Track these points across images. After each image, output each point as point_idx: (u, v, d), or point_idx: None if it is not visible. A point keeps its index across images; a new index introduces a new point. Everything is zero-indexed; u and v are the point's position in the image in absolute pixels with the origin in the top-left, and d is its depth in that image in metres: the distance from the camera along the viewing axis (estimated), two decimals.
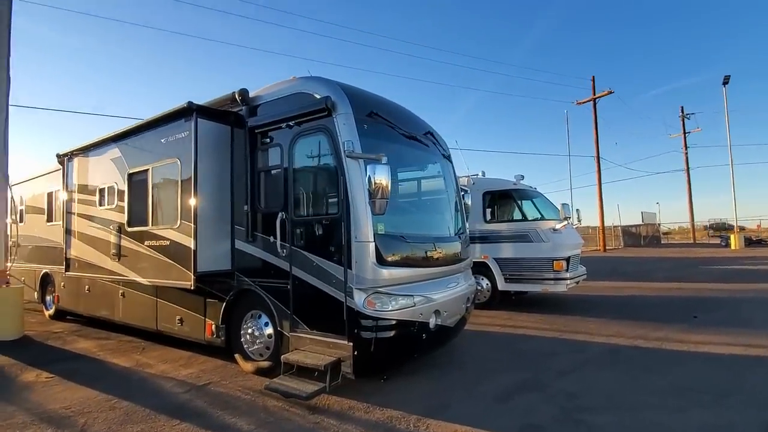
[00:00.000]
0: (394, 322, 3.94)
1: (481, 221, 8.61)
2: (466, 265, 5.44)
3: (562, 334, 6.43)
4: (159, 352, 6.00)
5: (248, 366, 4.88)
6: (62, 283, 8.10)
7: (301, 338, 4.31)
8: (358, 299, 3.89)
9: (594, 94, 26.28)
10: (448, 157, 5.72)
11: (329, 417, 3.69)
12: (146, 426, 3.63)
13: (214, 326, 5.16)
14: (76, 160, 6.87)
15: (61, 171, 7.17)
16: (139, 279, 5.57)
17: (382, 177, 3.62)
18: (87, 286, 7.29)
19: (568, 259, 8.03)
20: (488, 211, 8.70)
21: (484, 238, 8.54)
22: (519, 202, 8.49)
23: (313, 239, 4.27)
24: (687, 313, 7.62)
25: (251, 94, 4.93)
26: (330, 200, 4.20)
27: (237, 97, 4.80)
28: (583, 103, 26.88)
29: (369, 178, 3.61)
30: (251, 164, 4.82)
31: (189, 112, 4.69)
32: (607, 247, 27.76)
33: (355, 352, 3.85)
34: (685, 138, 35.39)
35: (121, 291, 6.52)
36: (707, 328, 6.49)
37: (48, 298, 9.07)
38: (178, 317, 5.71)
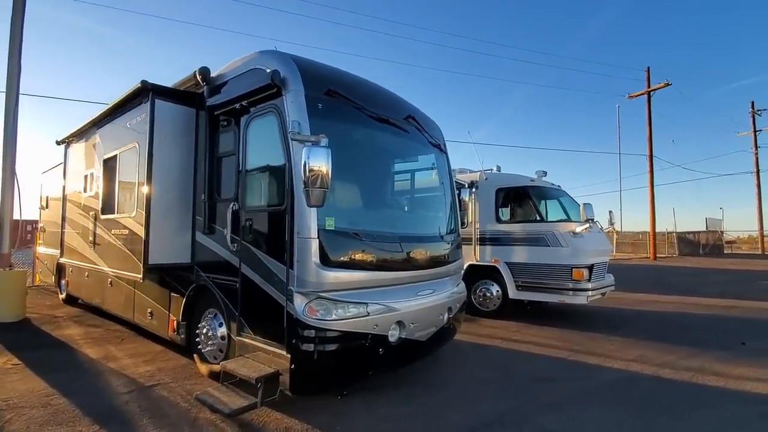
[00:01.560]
0: (338, 334, 3.37)
1: (493, 221, 7.77)
2: (451, 269, 4.75)
3: (573, 354, 5.53)
4: (135, 344, 5.82)
5: (203, 368, 4.51)
6: (70, 269, 8.25)
7: (245, 344, 3.85)
8: (298, 305, 3.35)
9: (648, 87, 23.92)
10: (438, 146, 5.03)
11: None
12: (65, 429, 3.33)
13: (175, 323, 4.85)
14: (71, 146, 6.87)
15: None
16: (105, 268, 5.38)
17: (319, 162, 3.05)
18: (86, 273, 7.32)
19: (590, 267, 7.02)
20: (501, 210, 7.84)
21: (496, 240, 7.71)
22: (536, 200, 7.55)
23: (260, 233, 3.79)
24: (735, 338, 6.39)
25: (215, 73, 4.52)
26: (278, 190, 3.69)
27: (198, 76, 4.40)
28: (636, 96, 24.55)
29: (304, 164, 3.05)
30: (210, 149, 4.42)
31: (145, 92, 4.37)
32: (658, 255, 25.31)
33: (293, 366, 3.32)
34: (755, 136, 31.60)
35: (109, 280, 6.43)
36: (756, 359, 5.33)
37: (62, 282, 9.37)
38: (149, 310, 5.48)
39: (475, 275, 7.94)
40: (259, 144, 3.91)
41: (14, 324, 6.93)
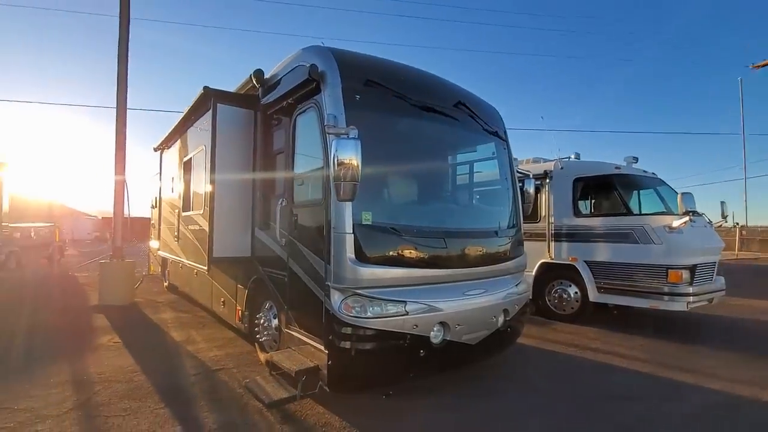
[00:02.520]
0: (375, 332, 3.26)
1: (570, 215, 6.99)
2: (509, 267, 4.34)
3: (662, 370, 4.72)
4: (213, 330, 6.37)
5: (262, 357, 4.74)
6: (167, 261, 9.36)
7: (292, 336, 3.94)
8: (335, 301, 3.31)
9: None
10: (495, 133, 4.62)
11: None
12: (136, 405, 3.72)
13: (240, 312, 5.19)
14: (164, 152, 7.75)
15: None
16: (185, 260, 5.93)
17: (348, 155, 2.95)
18: (177, 265, 8.23)
19: (692, 268, 5.95)
20: (580, 202, 7.02)
21: (573, 236, 6.93)
22: (622, 191, 6.60)
23: (304, 228, 3.83)
24: None
25: (268, 74, 4.68)
26: (318, 185, 3.68)
27: (253, 78, 4.61)
28: (763, 66, 20.38)
29: (333, 157, 2.97)
30: (264, 148, 4.61)
31: (207, 98, 4.69)
32: None
33: (329, 362, 3.30)
34: None
35: (195, 271, 7.14)
36: None
37: (166, 272, 10.70)
38: (222, 299, 5.95)
39: (550, 275, 7.24)
40: (304, 140, 3.95)
41: (124, 307, 8.05)
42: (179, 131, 6.43)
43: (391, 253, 3.41)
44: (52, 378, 4.33)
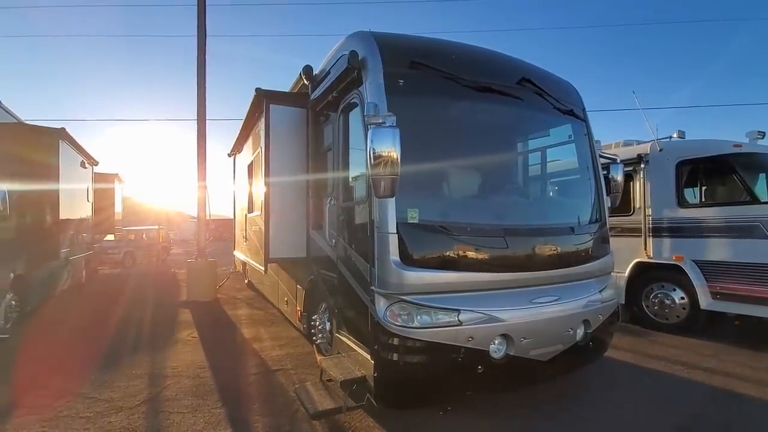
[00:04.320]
0: (424, 344, 2.89)
1: (673, 205, 5.85)
2: (590, 269, 3.66)
3: None
4: (280, 328, 6.50)
5: (319, 359, 4.65)
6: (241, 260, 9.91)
7: (342, 342, 3.74)
8: (380, 308, 3.02)
9: None
10: (570, 113, 3.93)
11: None
12: (197, 402, 3.82)
13: (299, 312, 5.17)
14: (236, 157, 8.15)
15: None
16: (250, 260, 6.11)
17: (385, 146, 2.62)
18: (248, 264, 8.63)
19: None
20: (686, 189, 5.84)
21: (678, 230, 5.80)
22: (744, 174, 5.32)
23: (350, 228, 3.60)
24: None
25: (317, 69, 4.54)
26: (363, 183, 3.41)
27: (302, 75, 4.50)
28: None
29: (369, 149, 2.67)
30: (314, 146, 4.49)
31: (260, 99, 4.69)
32: None
33: (376, 374, 3.02)
34: None
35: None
36: None
37: (246, 270, 11.40)
38: (285, 299, 6.03)
39: (647, 276, 6.17)
40: (350, 135, 3.71)
41: (207, 303, 8.66)
42: (244, 135, 6.67)
43: (441, 254, 3.02)
44: (135, 369, 4.68)
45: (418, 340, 2.89)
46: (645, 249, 6.11)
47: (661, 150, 6.06)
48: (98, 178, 11.94)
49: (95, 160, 11.18)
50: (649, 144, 6.24)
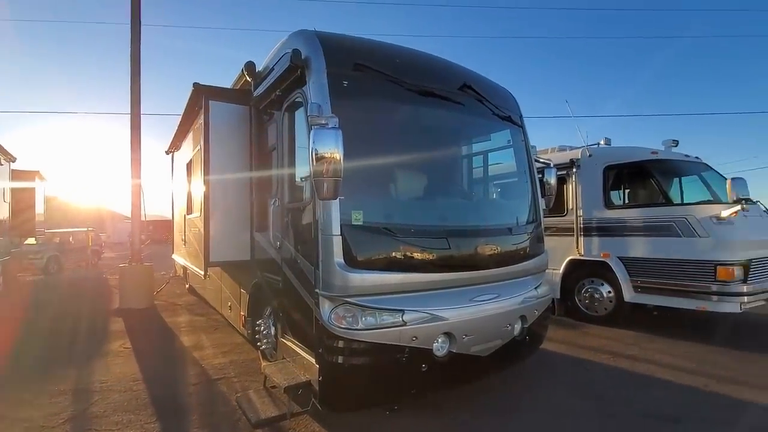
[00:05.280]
0: (369, 346, 2.90)
1: (601, 206, 6.35)
2: (527, 267, 3.87)
3: (713, 383, 4.10)
4: (223, 335, 6.22)
5: (262, 365, 4.50)
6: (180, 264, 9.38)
7: (288, 347, 3.65)
8: (324, 311, 2.98)
9: None
10: (508, 119, 4.13)
11: None
12: (128, 418, 3.56)
13: (243, 317, 4.98)
14: (174, 154, 7.70)
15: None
16: (190, 264, 5.80)
17: (327, 147, 2.60)
18: (188, 268, 8.19)
19: (746, 264, 5.22)
20: (612, 192, 6.36)
21: (605, 230, 6.29)
22: (660, 178, 5.89)
23: (294, 230, 3.53)
24: None
25: (261, 66, 4.39)
26: (307, 183, 3.36)
27: (244, 71, 4.34)
28: None
29: (311, 150, 2.63)
30: (258, 145, 4.35)
31: (198, 95, 4.47)
32: None
33: (320, 377, 2.98)
34: None
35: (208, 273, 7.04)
36: None
37: (187, 274, 10.80)
38: (229, 303, 5.79)
39: (579, 272, 6.64)
40: (293, 135, 3.63)
41: (142, 310, 8.09)
42: (182, 132, 6.31)
43: (385, 256, 3.04)
44: (58, 386, 4.27)
45: (363, 341, 2.90)
46: (577, 247, 6.57)
47: (590, 156, 6.54)
48: (16, 175, 10.77)
49: (12, 156, 10.08)
50: (580, 150, 6.71)
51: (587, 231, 6.49)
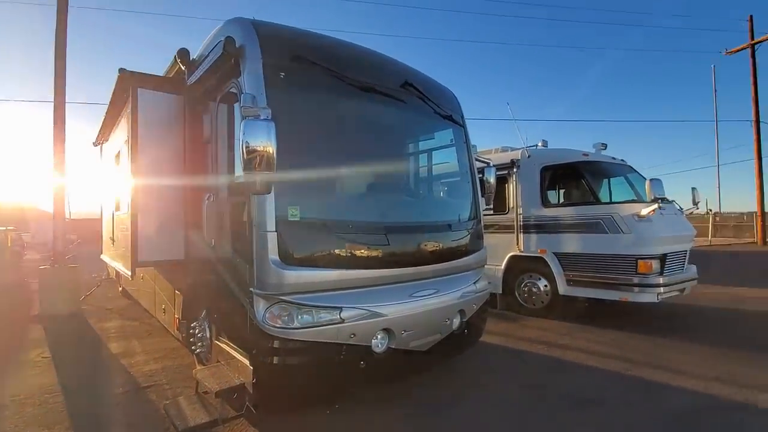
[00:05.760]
0: (305, 345, 2.84)
1: (538, 205, 6.69)
2: (467, 263, 3.97)
3: (634, 368, 4.44)
4: (157, 340, 5.84)
5: (194, 370, 4.26)
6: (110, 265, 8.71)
7: (222, 349, 3.49)
8: (259, 310, 2.88)
9: (752, 39, 19.95)
10: (449, 118, 4.22)
11: None
12: None
13: (177, 320, 4.69)
14: (102, 146, 7.11)
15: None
16: (120, 265, 5.40)
17: (259, 140, 2.51)
18: (117, 269, 7.61)
19: (662, 258, 5.72)
20: (548, 191, 6.72)
21: (542, 227, 6.63)
22: (590, 179, 6.32)
23: (229, 227, 3.37)
24: None
25: (196, 54, 4.15)
26: (242, 178, 3.22)
27: (177, 59, 4.08)
28: (736, 51, 20.65)
29: (242, 143, 2.52)
30: (192, 138, 4.10)
31: (125, 82, 4.15)
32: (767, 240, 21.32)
33: (254, 380, 2.87)
34: None
35: (141, 275, 6.57)
36: None
37: (120, 276, 10.04)
38: (162, 306, 5.44)
39: (519, 268, 6.95)
40: (228, 127, 3.47)
41: (67, 317, 7.40)
42: (110, 122, 5.84)
43: (323, 252, 2.99)
44: None
45: (299, 341, 2.83)
46: (517, 244, 6.87)
47: (529, 156, 6.87)
48: None
49: None
50: (520, 151, 7.03)
51: (526, 228, 6.80)
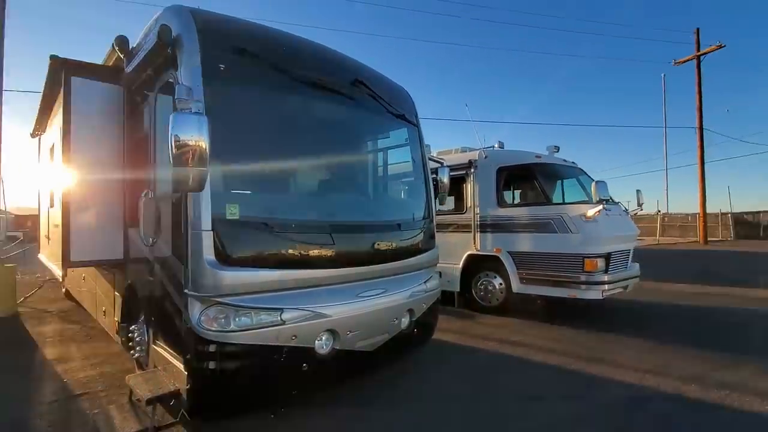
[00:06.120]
0: (243, 348, 2.74)
1: (494, 205, 6.83)
2: (419, 262, 3.98)
3: (576, 362, 4.62)
4: (98, 344, 5.50)
5: (127, 376, 4.04)
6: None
7: (159, 354, 3.32)
8: (194, 313, 2.75)
9: (698, 50, 21.32)
10: (402, 117, 4.21)
11: None
12: None
13: (117, 323, 4.44)
14: (41, 138, 6.63)
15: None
16: (50, 263, 5.05)
17: (190, 133, 2.39)
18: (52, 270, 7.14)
19: (607, 257, 5.98)
20: (504, 192, 6.87)
21: (497, 226, 6.78)
22: (542, 180, 6.52)
23: (166, 225, 3.20)
24: None
25: (137, 41, 3.91)
26: None
27: (115, 47, 3.83)
28: (684, 62, 21.99)
29: (171, 137, 2.39)
30: (131, 130, 3.88)
31: (57, 70, 3.86)
32: (710, 239, 22.90)
33: (189, 386, 2.74)
34: None
35: (83, 275, 6.17)
36: None
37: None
38: (103, 308, 5.13)
39: (476, 266, 7.08)
40: (165, 120, 3.29)
41: (2, 320, 6.88)
42: (44, 112, 5.44)
43: (263, 252, 2.89)
44: None
45: (237, 344, 2.73)
46: (474, 243, 6.99)
47: (486, 157, 7.00)
48: None
49: None
50: (477, 152, 7.16)
51: (483, 228, 6.93)
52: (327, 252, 3.16)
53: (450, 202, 7.76)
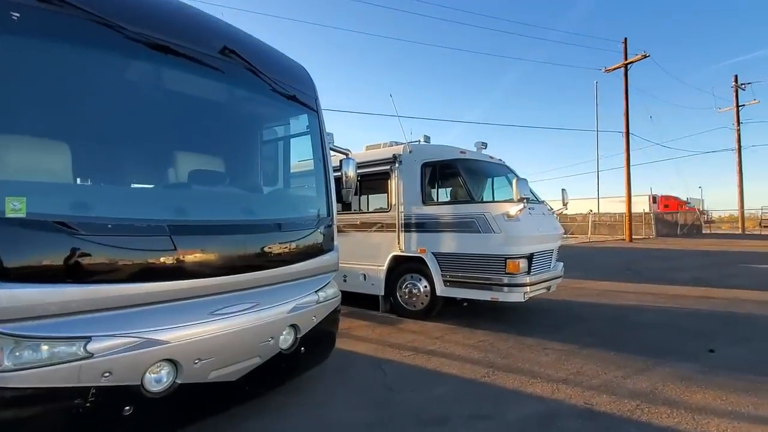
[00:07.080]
0: (20, 393, 1.99)
1: (419, 202, 6.41)
2: (309, 268, 3.39)
3: (491, 374, 4.26)
4: None
5: None
6: None
7: None
8: None
9: (625, 59, 22.60)
10: (294, 98, 3.58)
11: None
12: None
13: None
14: None
15: None
16: None
17: None
18: None
19: (529, 257, 5.75)
20: (429, 189, 6.47)
21: (422, 225, 6.37)
22: (467, 176, 6.18)
23: None
24: (702, 343, 5.21)
25: None
26: None
27: None
28: (613, 70, 23.25)
29: None
30: None
31: None
32: (635, 237, 24.46)
33: None
34: (737, 112, 30.60)
35: None
36: (725, 376, 4.13)
37: None
38: None
39: (401, 268, 6.63)
40: None
41: None
42: None
43: (62, 261, 2.15)
44: None
45: (13, 388, 1.98)
46: (399, 243, 6.53)
47: (410, 152, 6.57)
48: None
49: None
50: (402, 146, 6.70)
51: (407, 227, 6.49)
52: (165, 259, 2.47)
53: (378, 201, 7.27)
